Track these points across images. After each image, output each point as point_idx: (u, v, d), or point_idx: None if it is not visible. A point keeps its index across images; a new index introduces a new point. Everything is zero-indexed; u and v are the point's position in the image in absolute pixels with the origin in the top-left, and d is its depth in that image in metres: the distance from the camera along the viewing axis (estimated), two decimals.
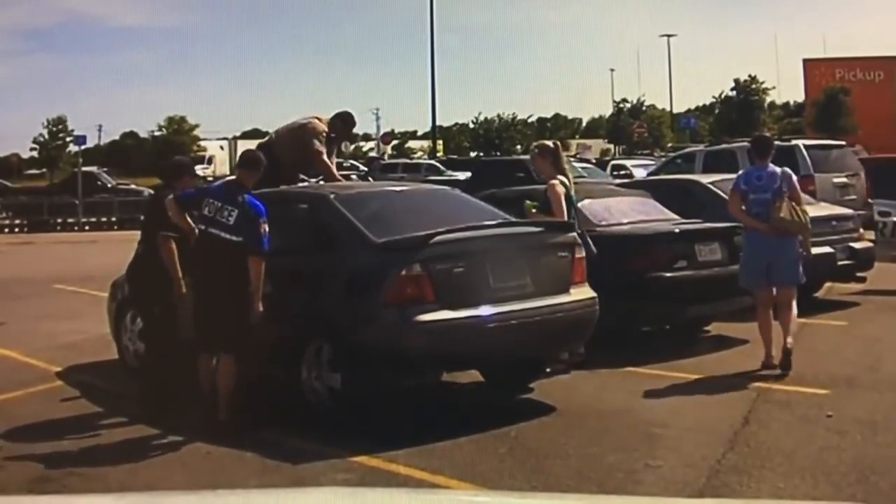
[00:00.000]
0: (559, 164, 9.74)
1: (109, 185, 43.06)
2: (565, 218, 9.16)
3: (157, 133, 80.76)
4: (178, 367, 8.09)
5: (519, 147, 72.62)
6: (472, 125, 79.03)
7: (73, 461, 7.16)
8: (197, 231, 8.05)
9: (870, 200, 15.68)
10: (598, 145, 79.57)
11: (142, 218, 9.47)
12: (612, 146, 77.41)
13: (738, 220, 9.66)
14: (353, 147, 76.90)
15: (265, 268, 7.69)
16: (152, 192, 10.32)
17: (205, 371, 7.90)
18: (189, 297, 8.08)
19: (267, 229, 7.71)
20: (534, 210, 9.50)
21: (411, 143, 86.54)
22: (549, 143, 10.22)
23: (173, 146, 73.83)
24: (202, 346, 7.93)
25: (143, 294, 8.78)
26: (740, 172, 9.68)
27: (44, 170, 71.71)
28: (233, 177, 8.44)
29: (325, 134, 10.70)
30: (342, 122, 11.15)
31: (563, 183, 9.52)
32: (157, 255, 8.28)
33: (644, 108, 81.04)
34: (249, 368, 7.84)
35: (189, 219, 8.14)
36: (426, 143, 76.81)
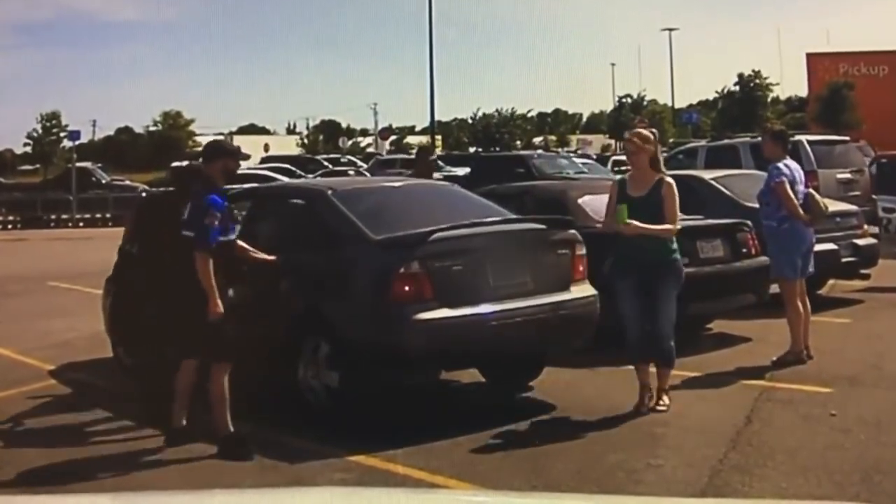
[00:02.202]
0: (658, 158, 8.29)
1: (104, 181, 43.12)
2: (677, 228, 8.12)
3: (152, 128, 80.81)
4: (173, 368, 7.99)
5: (519, 142, 72.62)
6: (470, 120, 78.98)
7: (68, 460, 7.16)
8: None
9: (874, 196, 15.71)
10: (598, 141, 79.58)
11: (137, 215, 9.33)
12: (613, 141, 77.36)
13: (790, 209, 9.42)
14: (350, 143, 77.02)
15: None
16: (162, 191, 10.20)
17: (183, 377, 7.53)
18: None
19: (216, 223, 7.25)
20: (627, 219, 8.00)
21: (409, 139, 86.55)
22: (648, 133, 8.38)
23: (169, 141, 74.00)
24: (181, 353, 7.59)
25: (135, 296, 8.63)
26: (779, 165, 9.57)
27: (37, 165, 71.66)
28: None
29: None
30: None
31: None
32: (155, 258, 8.11)
33: (645, 103, 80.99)
34: (242, 368, 7.80)
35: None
36: (425, 139, 76.78)
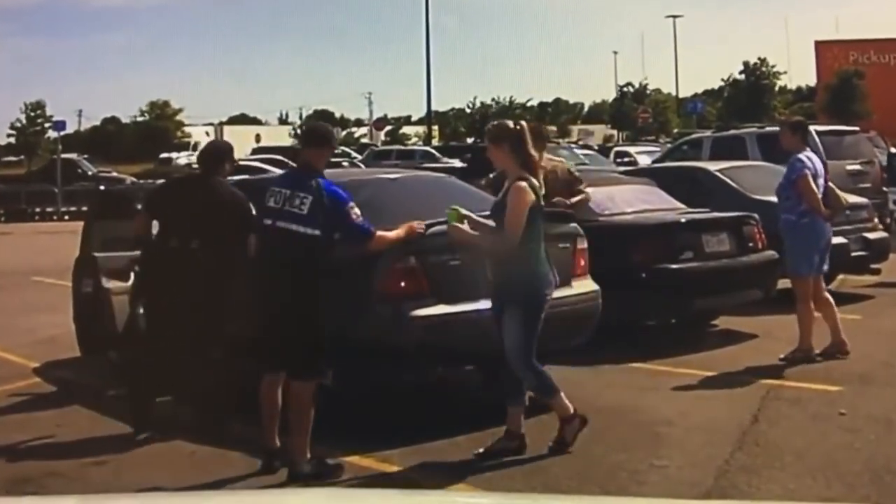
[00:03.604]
0: (524, 156, 7.06)
1: (90, 173, 43.09)
2: (516, 241, 6.85)
3: (139, 118, 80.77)
4: (167, 365, 7.88)
5: None
6: (468, 110, 79.00)
7: (53, 461, 7.15)
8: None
9: (885, 189, 15.71)
10: (600, 131, 79.57)
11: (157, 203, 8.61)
12: (615, 132, 77.41)
13: (811, 204, 9.40)
14: (344, 133, 76.98)
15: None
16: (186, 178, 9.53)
17: (266, 391, 6.96)
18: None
19: (359, 212, 6.85)
20: (462, 218, 7.14)
21: (405, 129, 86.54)
22: (510, 123, 7.32)
23: (156, 132, 73.91)
24: (266, 366, 7.02)
25: (175, 294, 7.79)
26: (800, 157, 9.52)
27: (21, 157, 71.53)
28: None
29: None
30: None
31: (536, 190, 7.00)
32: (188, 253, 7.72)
33: (649, 92, 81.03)
34: (234, 366, 7.78)
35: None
36: (421, 129, 76.78)
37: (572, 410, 7.10)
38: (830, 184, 9.79)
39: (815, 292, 9.60)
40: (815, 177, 9.44)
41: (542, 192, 7.11)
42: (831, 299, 9.71)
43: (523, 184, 6.92)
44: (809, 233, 9.47)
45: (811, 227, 9.46)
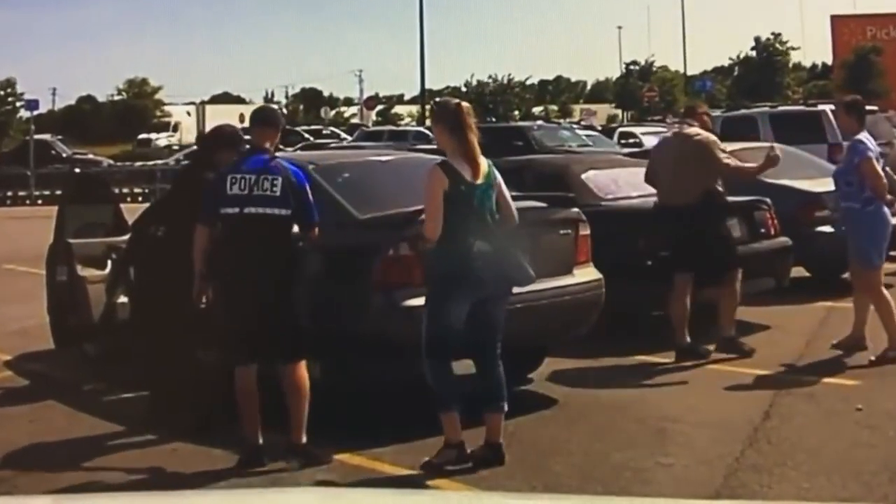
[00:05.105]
0: (460, 137, 6.91)
1: (65, 155, 43.06)
2: (434, 231, 6.82)
3: (116, 97, 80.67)
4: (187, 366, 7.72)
5: (517, 113, 72.63)
6: (464, 89, 78.93)
7: (26, 459, 7.16)
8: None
9: None
10: (604, 111, 79.47)
11: (166, 193, 8.63)
12: (619, 112, 77.46)
13: (877, 190, 9.17)
14: (333, 113, 76.93)
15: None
16: (187, 163, 9.67)
17: (246, 384, 7.06)
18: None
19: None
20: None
21: (398, 109, 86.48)
22: (450, 102, 7.29)
23: (135, 111, 73.81)
24: (243, 356, 7.08)
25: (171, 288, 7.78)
26: (862, 139, 9.28)
27: None
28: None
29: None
30: None
31: (453, 174, 6.84)
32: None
33: (655, 69, 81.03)
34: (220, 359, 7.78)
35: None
36: (414, 109, 76.69)
37: (459, 441, 6.79)
38: (888, 168, 9.59)
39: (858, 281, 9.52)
40: (876, 160, 9.28)
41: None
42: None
43: (436, 169, 6.90)
44: (876, 222, 9.24)
45: (877, 216, 9.22)
